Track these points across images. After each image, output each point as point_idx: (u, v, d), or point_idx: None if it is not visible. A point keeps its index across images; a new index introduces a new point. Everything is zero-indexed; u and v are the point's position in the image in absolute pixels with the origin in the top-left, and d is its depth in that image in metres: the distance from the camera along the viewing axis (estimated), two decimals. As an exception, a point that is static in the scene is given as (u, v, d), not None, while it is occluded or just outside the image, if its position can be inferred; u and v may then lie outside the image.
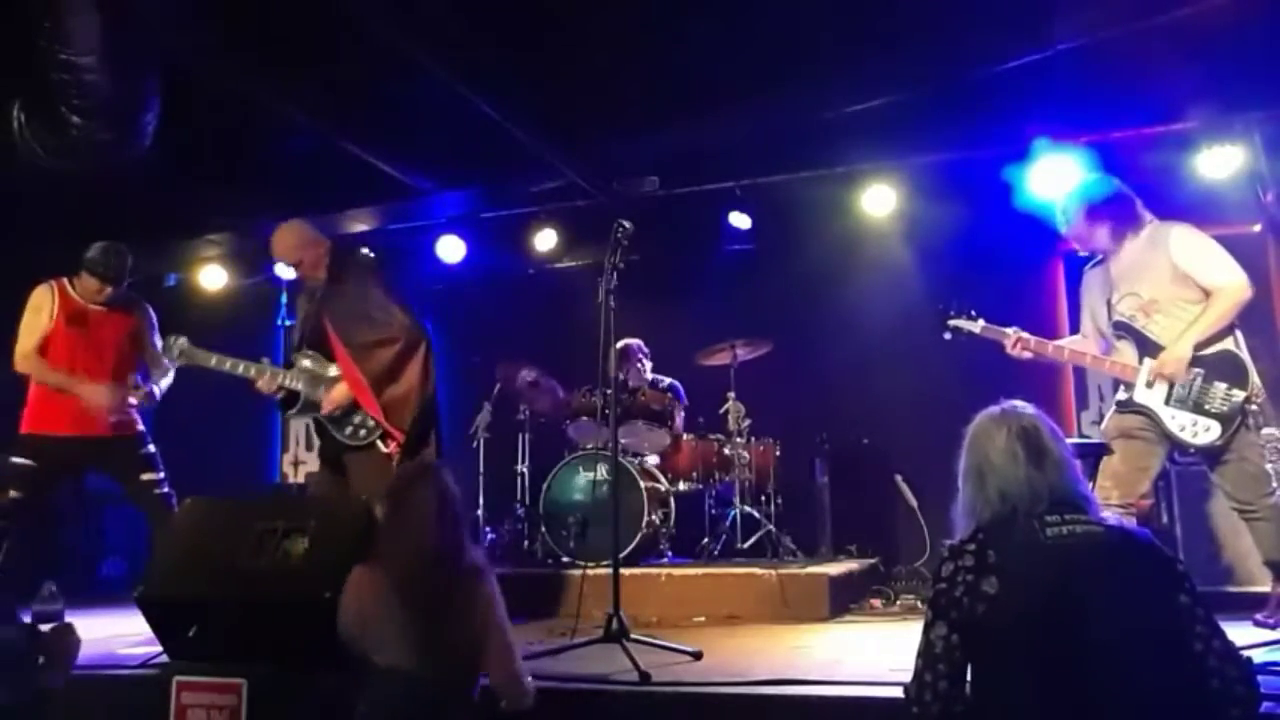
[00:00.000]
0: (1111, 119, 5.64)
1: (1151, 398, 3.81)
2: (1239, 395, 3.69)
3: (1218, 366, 3.74)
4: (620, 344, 5.90)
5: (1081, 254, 4.30)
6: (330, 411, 4.11)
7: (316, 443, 4.24)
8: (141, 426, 4.74)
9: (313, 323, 4.23)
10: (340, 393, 4.11)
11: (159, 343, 4.94)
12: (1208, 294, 3.77)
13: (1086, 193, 4.06)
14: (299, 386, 4.17)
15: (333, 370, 4.17)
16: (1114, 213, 3.96)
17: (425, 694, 2.48)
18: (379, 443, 4.05)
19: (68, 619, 3.12)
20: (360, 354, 4.09)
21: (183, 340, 4.37)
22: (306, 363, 4.21)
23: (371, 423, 4.07)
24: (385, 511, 2.69)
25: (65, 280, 4.67)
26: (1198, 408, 3.73)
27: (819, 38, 5.07)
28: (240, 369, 4.24)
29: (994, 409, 2.16)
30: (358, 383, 4.06)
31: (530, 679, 2.61)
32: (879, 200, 6.41)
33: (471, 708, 2.57)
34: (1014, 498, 2.02)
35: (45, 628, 2.41)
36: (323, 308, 4.20)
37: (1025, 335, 4.02)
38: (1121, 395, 3.93)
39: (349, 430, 4.11)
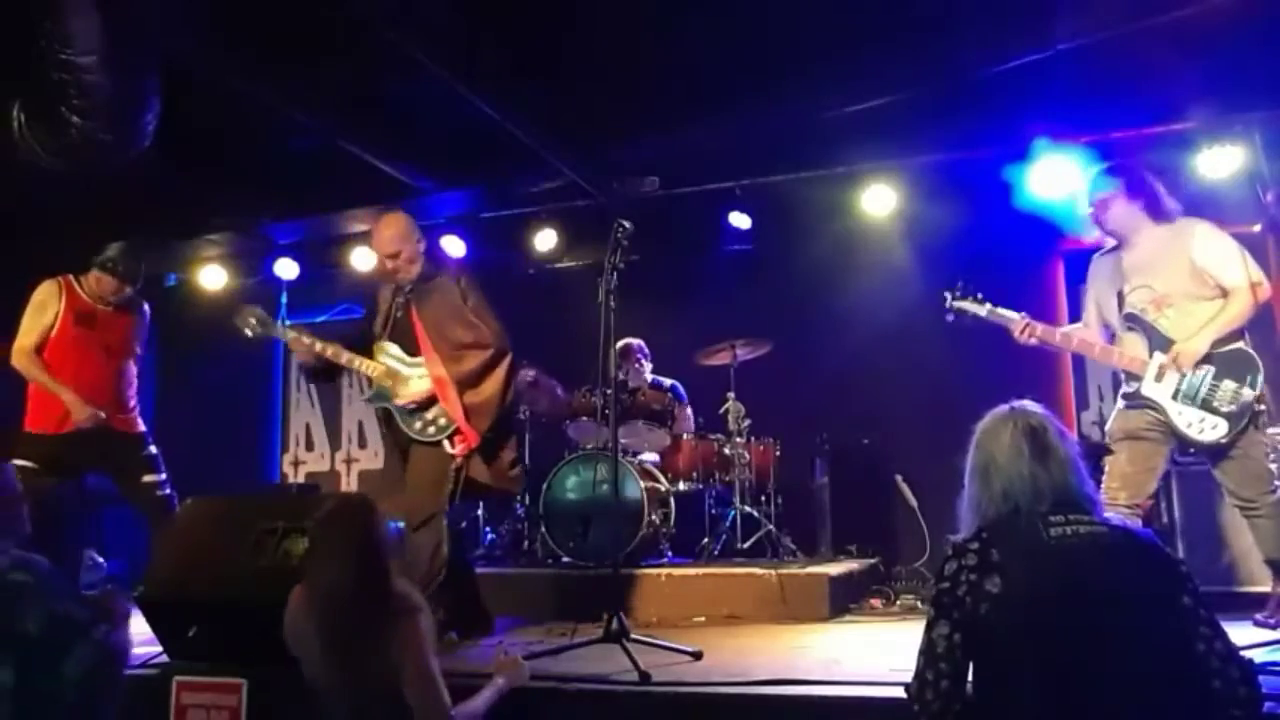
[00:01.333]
0: (1111, 119, 5.63)
1: (1159, 392, 3.78)
2: (1249, 394, 3.67)
3: (1229, 364, 3.72)
4: (621, 343, 5.90)
5: (1094, 237, 4.22)
6: (406, 405, 4.08)
7: (317, 443, 4.25)
8: (143, 427, 4.74)
9: (399, 316, 4.21)
10: (419, 387, 4.08)
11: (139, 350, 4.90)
12: (1224, 293, 3.75)
13: (1130, 168, 4.01)
14: (373, 374, 4.16)
15: (413, 365, 4.14)
16: (1151, 195, 3.92)
17: (356, 714, 2.49)
18: (446, 442, 4.03)
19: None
20: (451, 355, 4.08)
21: (259, 310, 4.34)
22: (387, 354, 4.18)
23: (444, 421, 4.04)
24: (310, 539, 2.68)
25: (72, 278, 4.65)
26: (1205, 405, 3.71)
27: (819, 37, 5.07)
28: (317, 346, 4.22)
29: (1003, 407, 2.17)
30: (442, 381, 4.04)
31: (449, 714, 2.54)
32: (879, 200, 6.40)
33: None
34: (1017, 495, 2.03)
35: (93, 593, 2.46)
36: (413, 304, 4.18)
37: (1034, 322, 3.99)
38: (1128, 388, 3.90)
39: (419, 425, 4.08)
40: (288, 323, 4.27)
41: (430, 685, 2.49)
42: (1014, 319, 4.01)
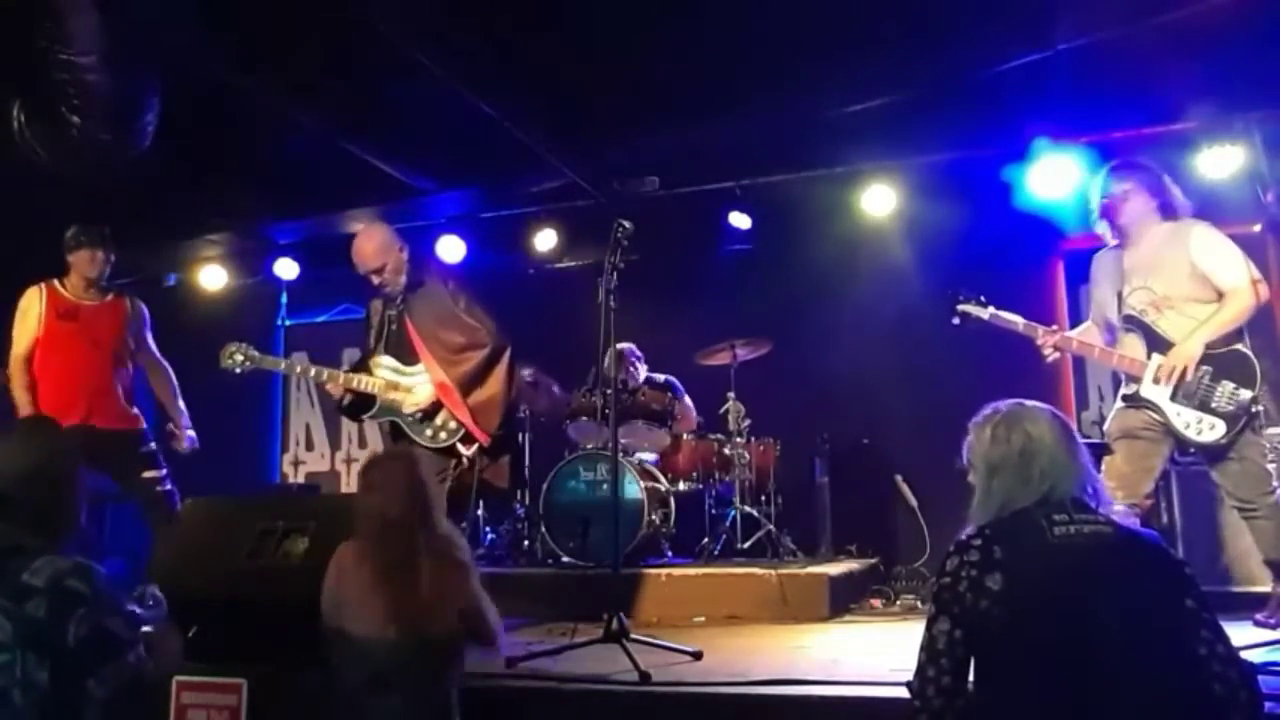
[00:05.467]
0: (1111, 119, 5.63)
1: (1158, 393, 3.78)
2: (1246, 395, 3.66)
3: (1227, 365, 3.71)
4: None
5: (1097, 232, 4.16)
6: (413, 413, 4.10)
7: (317, 443, 4.27)
8: (142, 424, 4.75)
9: (392, 328, 4.22)
10: (423, 395, 4.10)
11: (152, 342, 4.94)
12: (1221, 295, 3.74)
13: (1146, 165, 3.97)
14: (374, 390, 4.15)
15: (412, 374, 4.15)
16: (1166, 193, 3.89)
17: (396, 655, 2.57)
18: (459, 445, 4.06)
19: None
20: (449, 358, 4.11)
21: (247, 347, 4.30)
22: (384, 368, 4.19)
23: (453, 425, 4.07)
24: (359, 484, 2.86)
25: (55, 281, 4.69)
26: (1203, 405, 3.71)
27: (819, 38, 5.06)
28: (312, 373, 4.26)
29: (1006, 406, 2.16)
30: (445, 387, 4.06)
31: (499, 631, 2.79)
32: (879, 200, 6.40)
33: (451, 669, 2.68)
34: (1023, 495, 2.02)
35: (147, 629, 2.48)
36: (406, 314, 4.19)
37: (1057, 331, 3.99)
38: (1128, 390, 3.89)
39: (429, 433, 4.10)
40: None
41: (481, 607, 2.72)
42: (1018, 323, 4.01)
